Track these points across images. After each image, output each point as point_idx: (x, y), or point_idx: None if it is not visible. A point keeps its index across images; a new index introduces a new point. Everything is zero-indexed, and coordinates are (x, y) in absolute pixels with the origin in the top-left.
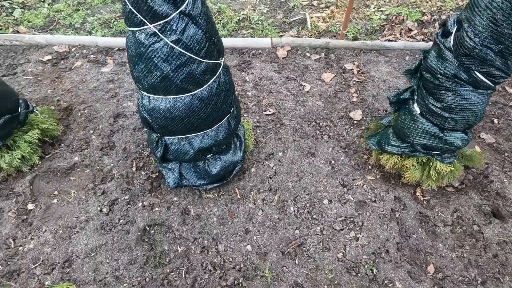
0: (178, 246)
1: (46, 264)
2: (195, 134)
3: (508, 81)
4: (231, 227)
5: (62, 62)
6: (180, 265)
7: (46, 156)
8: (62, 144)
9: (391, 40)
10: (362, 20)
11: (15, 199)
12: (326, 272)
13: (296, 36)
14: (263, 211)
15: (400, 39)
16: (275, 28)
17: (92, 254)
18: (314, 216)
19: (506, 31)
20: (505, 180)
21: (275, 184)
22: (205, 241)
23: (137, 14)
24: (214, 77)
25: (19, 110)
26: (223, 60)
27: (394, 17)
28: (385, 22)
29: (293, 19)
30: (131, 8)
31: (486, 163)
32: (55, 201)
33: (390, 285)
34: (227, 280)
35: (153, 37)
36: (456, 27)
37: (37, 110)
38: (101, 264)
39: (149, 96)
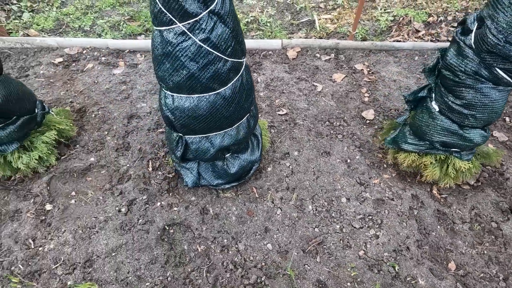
0: (198, 246)
1: (67, 264)
2: (216, 133)
3: None
4: (250, 226)
5: (74, 64)
6: (201, 264)
7: (62, 157)
8: (77, 145)
9: (400, 41)
10: (370, 21)
11: (33, 200)
12: (348, 270)
13: (305, 38)
14: (281, 210)
15: (408, 39)
16: (284, 30)
17: (113, 254)
18: (333, 215)
19: None
20: None
21: (292, 183)
22: (225, 240)
23: (167, 13)
24: (238, 76)
25: (36, 111)
26: (245, 59)
27: (401, 19)
28: (392, 23)
29: (301, 20)
30: (161, 7)
31: (501, 161)
32: (72, 201)
33: (413, 282)
34: (249, 279)
35: (181, 36)
36: (476, 24)
37: (52, 111)
38: (122, 263)
39: (172, 95)
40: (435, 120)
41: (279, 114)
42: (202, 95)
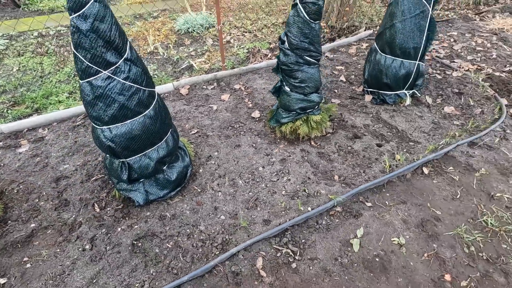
0: (167, 244)
1: None
2: (151, 149)
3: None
4: (203, 212)
5: None
6: (176, 254)
7: None
8: (9, 221)
9: (257, 63)
10: (233, 55)
11: None
12: (279, 205)
13: (190, 77)
14: (221, 192)
15: (262, 61)
16: (170, 77)
17: (94, 281)
18: (257, 180)
19: (305, 31)
20: (353, 118)
21: (222, 172)
22: (188, 230)
23: (94, 66)
24: (155, 101)
25: None
26: (155, 89)
27: (253, 49)
28: (248, 53)
29: (182, 67)
30: (88, 63)
31: (340, 114)
32: (28, 265)
33: (318, 194)
34: (217, 241)
35: (108, 79)
36: (286, 36)
37: None
38: (106, 284)
39: (109, 128)
40: (290, 96)
41: (192, 134)
42: (134, 119)
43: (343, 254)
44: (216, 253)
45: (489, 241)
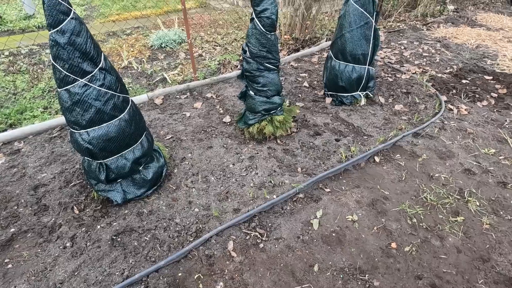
0: (145, 237)
1: None
2: (127, 150)
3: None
4: (178, 207)
5: None
6: (153, 245)
7: None
8: None
9: (227, 73)
10: (205, 67)
11: None
12: (248, 195)
13: (164, 88)
14: (195, 188)
15: (232, 71)
16: (145, 89)
17: (76, 273)
18: (228, 175)
19: (262, 41)
20: (314, 118)
21: (195, 170)
22: (164, 224)
23: (71, 75)
24: (129, 105)
25: None
26: (129, 96)
27: (223, 61)
28: (219, 65)
29: (155, 80)
30: (66, 73)
31: (303, 115)
32: (9, 266)
33: (283, 183)
34: (191, 230)
35: (85, 87)
36: (247, 47)
37: None
38: (87, 275)
39: (87, 131)
40: (255, 99)
41: (167, 139)
42: (110, 122)
43: (305, 233)
44: (191, 240)
45: (428, 213)
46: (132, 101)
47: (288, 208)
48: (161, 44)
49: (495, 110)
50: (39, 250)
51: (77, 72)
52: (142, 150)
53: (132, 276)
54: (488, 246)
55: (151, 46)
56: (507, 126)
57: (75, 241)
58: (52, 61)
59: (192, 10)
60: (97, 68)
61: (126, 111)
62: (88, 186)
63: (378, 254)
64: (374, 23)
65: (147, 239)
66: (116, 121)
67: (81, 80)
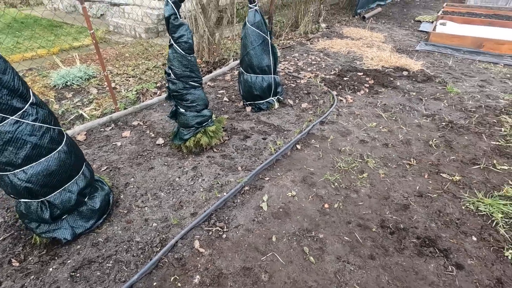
0: (107, 264)
1: None
2: (70, 182)
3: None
4: (135, 227)
5: None
6: (119, 268)
7: None
8: None
9: (149, 100)
10: (124, 98)
11: None
12: (201, 199)
13: (84, 124)
14: (147, 206)
15: (152, 98)
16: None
17: None
18: (177, 188)
19: (184, 63)
20: (241, 125)
21: (143, 191)
22: (125, 246)
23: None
24: (65, 137)
25: None
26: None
27: (141, 90)
28: (138, 94)
29: (70, 118)
30: None
31: (231, 124)
32: None
33: (229, 182)
34: (156, 243)
35: (16, 124)
36: (170, 69)
37: None
38: None
39: (23, 170)
40: (186, 115)
41: (102, 171)
42: (49, 155)
43: (258, 215)
44: (158, 250)
45: (344, 176)
46: (66, 134)
47: (238, 200)
48: (66, 82)
49: (370, 96)
50: None
51: (7, 110)
52: (86, 180)
53: None
54: (386, 188)
55: (55, 86)
56: (379, 105)
57: None
58: None
59: (91, 46)
60: (28, 103)
61: (63, 142)
62: (23, 235)
63: (317, 215)
64: (270, 40)
65: (110, 265)
66: (56, 154)
67: (11, 117)
